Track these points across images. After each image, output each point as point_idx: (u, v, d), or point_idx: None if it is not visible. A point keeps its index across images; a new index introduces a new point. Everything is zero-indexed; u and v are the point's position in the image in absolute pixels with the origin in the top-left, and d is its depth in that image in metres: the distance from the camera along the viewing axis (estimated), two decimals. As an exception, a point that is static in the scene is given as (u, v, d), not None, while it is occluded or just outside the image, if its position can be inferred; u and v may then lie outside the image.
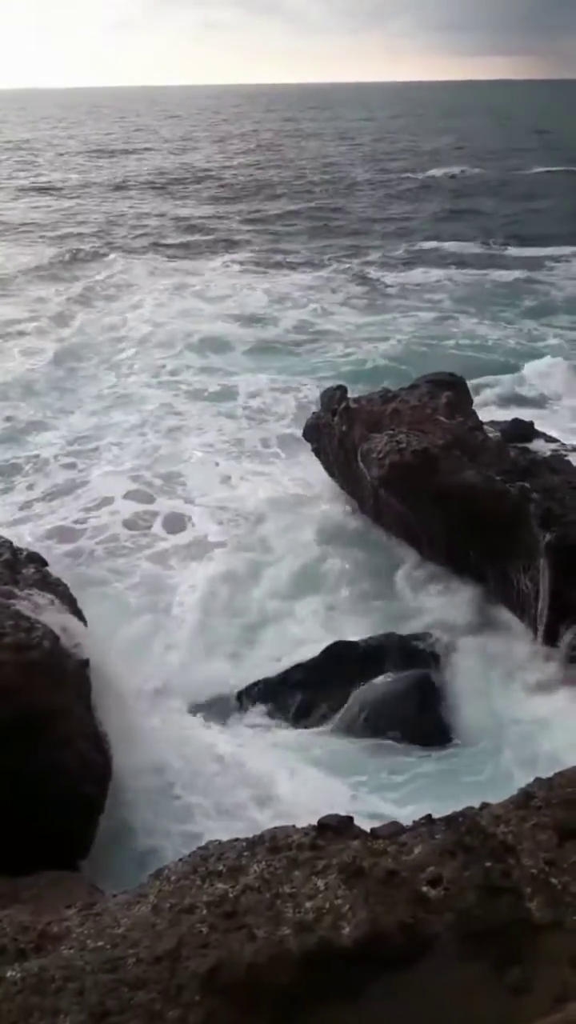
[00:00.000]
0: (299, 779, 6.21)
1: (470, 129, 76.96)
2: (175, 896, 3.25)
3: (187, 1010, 2.81)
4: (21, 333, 18.22)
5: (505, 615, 8.05)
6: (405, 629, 7.87)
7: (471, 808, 3.56)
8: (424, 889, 3.11)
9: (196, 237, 29.62)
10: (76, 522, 10.53)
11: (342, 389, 10.54)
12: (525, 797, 3.51)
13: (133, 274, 23.75)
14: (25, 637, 5.27)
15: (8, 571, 6.16)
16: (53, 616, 5.78)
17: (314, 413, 10.90)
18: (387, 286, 22.09)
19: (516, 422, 10.27)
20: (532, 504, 7.62)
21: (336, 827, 3.47)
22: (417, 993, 2.86)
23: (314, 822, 3.50)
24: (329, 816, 3.56)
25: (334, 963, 2.91)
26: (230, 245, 28.06)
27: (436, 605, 8.33)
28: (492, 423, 9.97)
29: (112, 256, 26.07)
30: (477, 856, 3.20)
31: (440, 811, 3.53)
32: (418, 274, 23.27)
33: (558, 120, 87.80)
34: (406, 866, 3.20)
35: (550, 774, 3.67)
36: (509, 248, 26.47)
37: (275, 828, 3.58)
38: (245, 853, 3.39)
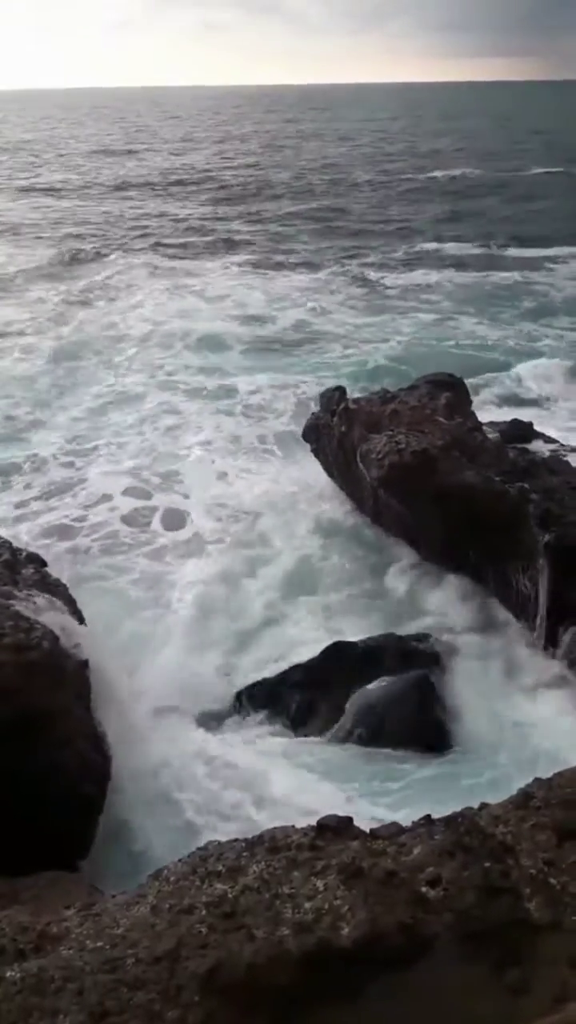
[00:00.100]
0: (297, 786, 6.20)
1: (470, 130, 77.01)
2: (174, 896, 3.25)
3: (186, 1010, 2.81)
4: (21, 332, 18.24)
5: (504, 615, 8.05)
6: (404, 629, 7.87)
7: (470, 808, 3.56)
8: (423, 889, 3.11)
9: (196, 238, 29.64)
10: (75, 520, 10.56)
11: (341, 390, 10.55)
12: (524, 797, 3.51)
13: (133, 274, 23.76)
14: (25, 638, 5.28)
15: (8, 571, 6.17)
16: (52, 617, 5.78)
17: (313, 413, 10.91)
18: (386, 287, 22.11)
19: (515, 423, 10.28)
20: (531, 505, 7.62)
21: (335, 827, 3.47)
22: (416, 994, 2.86)
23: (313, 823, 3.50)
24: (328, 817, 3.56)
25: (333, 963, 2.91)
26: (230, 246, 28.08)
27: (435, 606, 8.34)
28: (491, 424, 9.99)
29: (112, 256, 26.09)
30: (476, 856, 3.20)
31: (440, 814, 3.53)
32: (418, 275, 23.29)
33: (557, 121, 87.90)
34: (405, 866, 3.20)
35: (549, 774, 3.67)
36: (508, 249, 26.48)
37: (274, 828, 3.58)
38: (244, 854, 3.39)
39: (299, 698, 7.22)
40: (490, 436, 9.20)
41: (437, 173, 45.52)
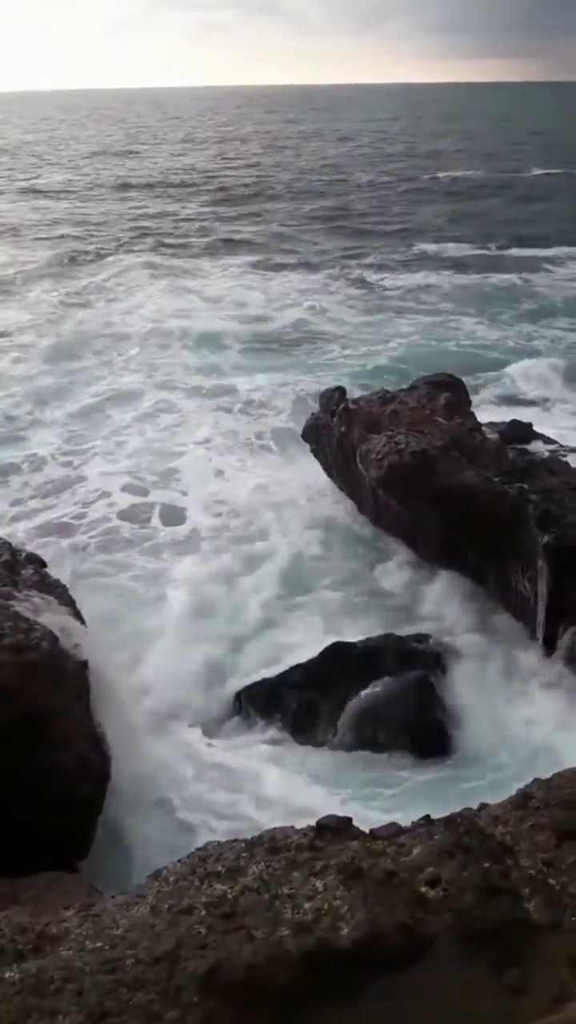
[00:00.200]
0: (295, 792, 6.20)
1: (469, 131, 77.09)
2: (174, 897, 3.25)
3: (186, 1011, 2.81)
4: (20, 332, 18.26)
5: (504, 616, 8.05)
6: (403, 630, 7.87)
7: (469, 809, 3.56)
8: (423, 890, 3.11)
9: (196, 238, 29.65)
10: (74, 517, 10.61)
11: (341, 390, 10.55)
12: (523, 798, 3.51)
13: (132, 275, 23.78)
14: (24, 638, 5.28)
15: (7, 572, 6.17)
16: (52, 617, 5.79)
17: (313, 414, 10.91)
18: (386, 288, 22.13)
19: (514, 423, 10.28)
20: (531, 505, 7.62)
21: (335, 828, 3.47)
22: (416, 994, 2.86)
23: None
24: (328, 817, 3.56)
25: (333, 964, 2.91)
26: (230, 246, 28.09)
27: (434, 606, 8.33)
28: (490, 424, 9.99)
29: (112, 257, 26.11)
30: (476, 857, 3.20)
31: (440, 815, 3.53)
32: (417, 276, 23.31)
33: (557, 122, 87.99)
34: (405, 867, 3.20)
35: (548, 775, 3.67)
36: (508, 250, 26.51)
37: (274, 829, 3.58)
38: (244, 854, 3.39)
39: (299, 699, 7.21)
40: (489, 437, 9.21)
41: (437, 174, 45.56)
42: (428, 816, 3.53)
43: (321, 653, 7.47)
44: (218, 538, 9.99)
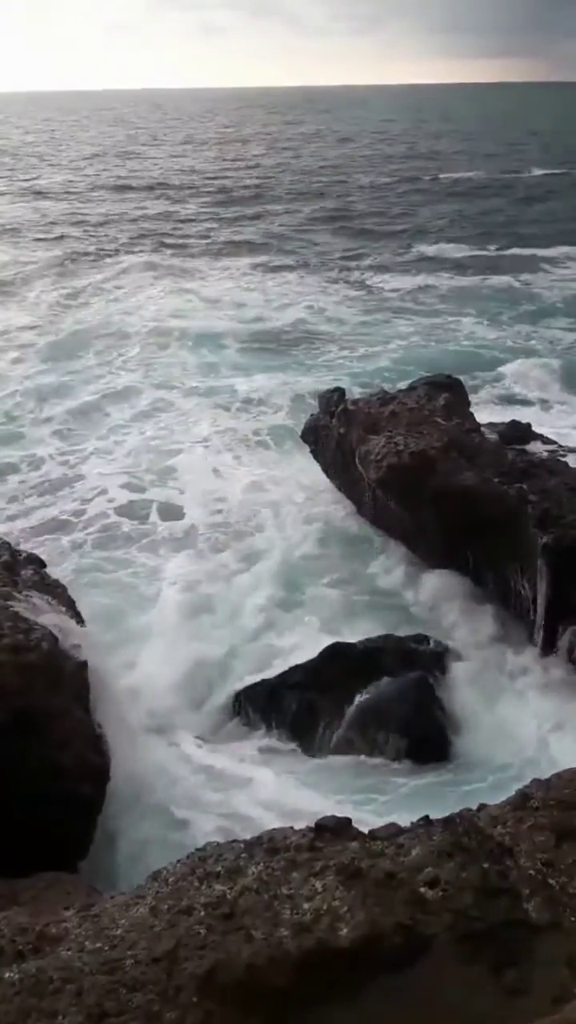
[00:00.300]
0: (294, 796, 6.20)
1: (470, 132, 77.13)
2: (173, 897, 3.25)
3: (185, 1011, 2.81)
4: (20, 332, 18.28)
5: (503, 617, 8.04)
6: (403, 631, 7.86)
7: (468, 809, 3.57)
8: (422, 890, 3.11)
9: (195, 239, 29.67)
10: (73, 514, 10.65)
11: (340, 391, 10.56)
12: (522, 798, 3.52)
13: (132, 275, 23.81)
14: (24, 639, 5.28)
15: (7, 572, 6.17)
16: (51, 618, 5.79)
17: (312, 415, 10.92)
18: (386, 288, 22.14)
19: (513, 424, 10.27)
20: (530, 506, 7.62)
21: (334, 828, 3.47)
22: (415, 994, 2.86)
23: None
24: (327, 818, 3.56)
25: (332, 964, 2.92)
26: (229, 247, 28.10)
27: (434, 607, 8.33)
28: (490, 425, 9.99)
29: (111, 257, 26.14)
30: (475, 857, 3.21)
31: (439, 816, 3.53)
32: (417, 277, 23.31)
33: (557, 122, 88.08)
34: (404, 867, 3.21)
35: (548, 775, 3.68)
36: (508, 251, 26.52)
37: (273, 830, 3.58)
38: (243, 855, 3.40)
39: (298, 700, 7.20)
40: (488, 437, 9.21)
41: (437, 175, 45.58)
42: (427, 817, 3.53)
43: (320, 654, 7.46)
44: (216, 536, 10.01)
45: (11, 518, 10.52)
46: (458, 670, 7.43)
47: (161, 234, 30.52)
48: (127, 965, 2.96)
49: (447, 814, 3.52)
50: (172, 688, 7.38)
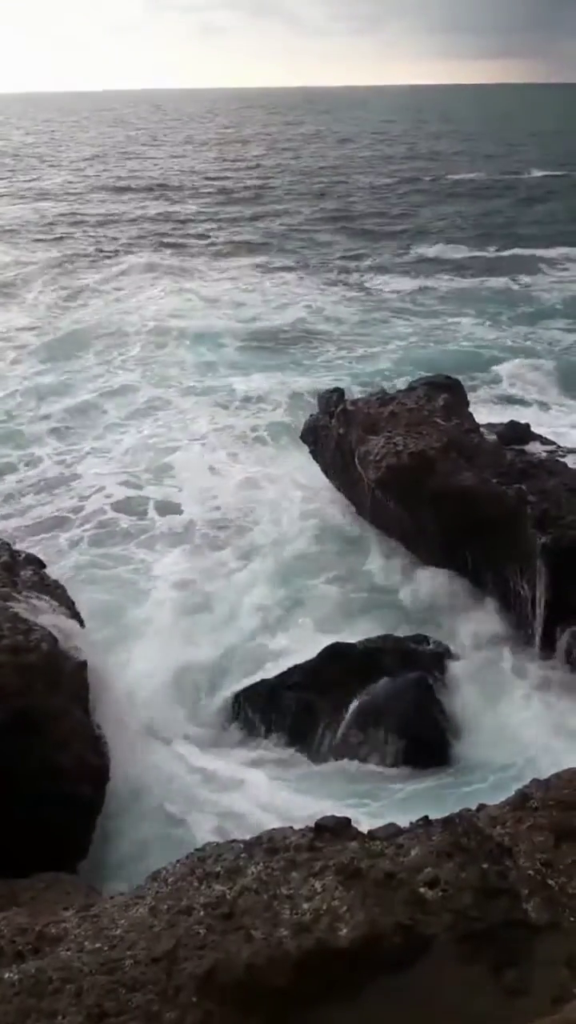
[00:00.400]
0: (293, 796, 6.19)
1: (470, 133, 77.19)
2: (173, 898, 3.25)
3: (184, 1011, 2.81)
4: (19, 331, 18.30)
5: (502, 617, 8.04)
6: (401, 631, 7.86)
7: (468, 810, 3.57)
8: (421, 890, 3.12)
9: (195, 239, 29.68)
10: (71, 511, 10.69)
11: (339, 392, 10.56)
12: (522, 798, 3.52)
13: (132, 275, 23.83)
14: (23, 639, 5.29)
15: (7, 573, 6.17)
16: (51, 618, 5.80)
17: (311, 415, 10.92)
18: (385, 289, 22.15)
19: (512, 424, 10.27)
20: (529, 506, 7.63)
21: (333, 828, 3.47)
22: (415, 994, 2.86)
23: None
24: (326, 818, 3.57)
25: (332, 964, 2.92)
26: (229, 247, 28.11)
27: (433, 607, 8.33)
28: (489, 425, 9.99)
29: (111, 257, 26.15)
30: (474, 857, 3.21)
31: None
32: (416, 278, 23.34)
33: (557, 123, 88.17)
34: (404, 867, 3.21)
35: (547, 776, 3.68)
36: (507, 252, 26.54)
37: (272, 830, 3.59)
38: (243, 855, 3.40)
39: (297, 700, 7.20)
40: (487, 437, 9.22)
41: (437, 176, 45.61)
42: (426, 817, 3.53)
43: (320, 654, 7.46)
44: (214, 534, 10.05)
45: (8, 516, 10.56)
46: (457, 671, 7.43)
47: (161, 234, 30.54)
48: (127, 965, 2.96)
49: (446, 814, 3.52)
50: (171, 688, 7.38)
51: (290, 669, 7.42)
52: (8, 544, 6.80)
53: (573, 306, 19.90)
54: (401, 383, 12.22)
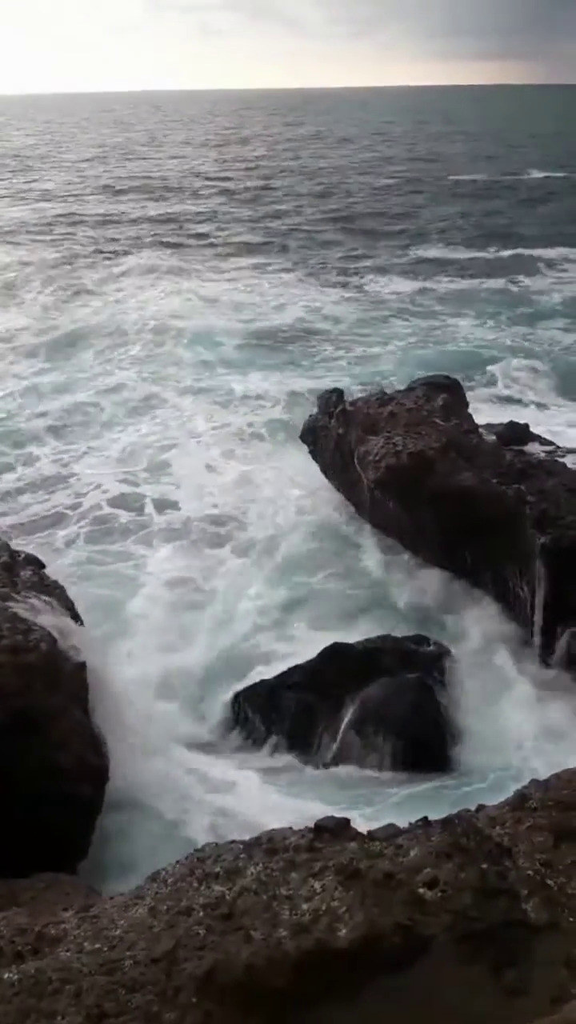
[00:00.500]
0: (292, 797, 6.19)
1: (470, 134, 77.25)
2: (172, 898, 3.25)
3: (184, 1012, 2.81)
4: (19, 331, 18.32)
5: (501, 618, 8.04)
6: (400, 631, 7.86)
7: (467, 810, 3.57)
8: (421, 891, 3.12)
9: (195, 240, 29.70)
10: (69, 508, 10.74)
11: (339, 392, 10.57)
12: (521, 799, 3.52)
13: (131, 275, 23.86)
14: (22, 640, 5.29)
15: (6, 573, 6.17)
16: (50, 619, 5.79)
17: (311, 415, 10.93)
18: (384, 289, 22.16)
19: (511, 425, 10.28)
20: (528, 506, 7.63)
21: (333, 829, 3.48)
22: (414, 995, 2.87)
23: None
24: (326, 818, 3.57)
25: (331, 965, 2.92)
26: (229, 247, 28.12)
27: (432, 607, 8.34)
28: (488, 426, 10.00)
29: (111, 257, 26.17)
30: (473, 858, 3.21)
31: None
32: (416, 278, 23.34)
33: (557, 125, 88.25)
34: (403, 868, 3.21)
35: (546, 776, 3.68)
36: (507, 253, 26.55)
37: (272, 830, 3.59)
38: (242, 855, 3.40)
39: (297, 701, 7.19)
40: (486, 438, 9.22)
41: (437, 177, 45.63)
42: (426, 818, 3.53)
43: (320, 654, 7.45)
44: (213, 531, 10.07)
45: (5, 514, 10.59)
46: (456, 671, 7.43)
47: (161, 234, 30.56)
48: (126, 966, 2.96)
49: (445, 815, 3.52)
50: (170, 688, 7.38)
51: (290, 669, 7.41)
52: (8, 545, 6.80)
53: (572, 307, 19.92)
54: (400, 383, 12.23)
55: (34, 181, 46.58)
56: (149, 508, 10.73)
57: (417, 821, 3.54)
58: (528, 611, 7.72)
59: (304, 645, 7.76)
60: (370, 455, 8.64)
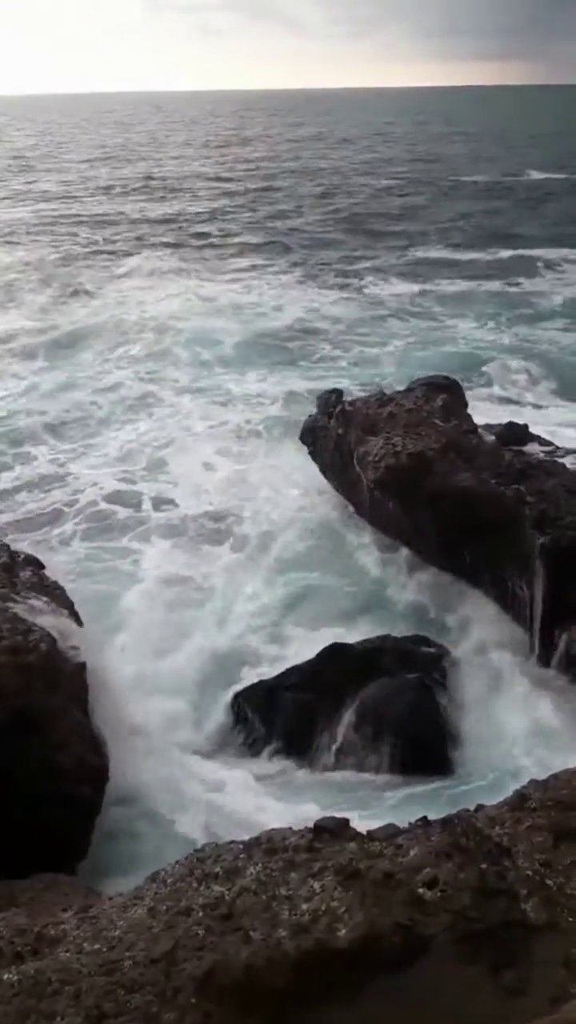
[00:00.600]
0: (291, 797, 6.19)
1: (470, 135, 77.32)
2: (172, 898, 3.25)
3: (183, 1012, 2.81)
4: (18, 331, 18.34)
5: (500, 618, 8.04)
6: (399, 631, 7.86)
7: (467, 810, 3.57)
8: (420, 891, 3.12)
9: (195, 240, 29.71)
10: (66, 504, 10.78)
11: (338, 392, 10.57)
12: (520, 799, 3.53)
13: (131, 275, 23.89)
14: (22, 640, 5.28)
15: (6, 574, 6.17)
16: (50, 619, 5.79)
17: (310, 416, 10.93)
18: (384, 290, 22.17)
19: (511, 425, 10.28)
20: (527, 507, 7.63)
21: (332, 829, 3.48)
22: (413, 995, 2.87)
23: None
24: (325, 819, 3.57)
25: (331, 965, 2.92)
26: (229, 248, 28.15)
27: (431, 608, 8.34)
28: (487, 426, 10.00)
29: (111, 258, 26.20)
30: (473, 858, 3.21)
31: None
32: (416, 278, 23.36)
33: (557, 125, 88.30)
34: (402, 868, 3.21)
35: (545, 776, 3.68)
36: (507, 253, 26.56)
37: (271, 830, 3.59)
38: (241, 855, 3.40)
39: (296, 701, 7.19)
40: (486, 438, 9.22)
41: (438, 177, 45.67)
42: (425, 818, 3.54)
43: (319, 654, 7.45)
44: (212, 528, 10.09)
45: (2, 512, 10.63)
46: (455, 671, 7.43)
47: (161, 235, 30.58)
48: (125, 966, 2.96)
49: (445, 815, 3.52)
50: (169, 688, 7.37)
51: (289, 669, 7.41)
52: (7, 545, 6.80)
53: (572, 307, 19.94)
54: (400, 383, 12.24)
55: (34, 182, 46.61)
56: (146, 505, 10.78)
57: (416, 821, 3.54)
58: (527, 611, 7.72)
59: (303, 645, 7.76)
60: (369, 455, 8.64)
